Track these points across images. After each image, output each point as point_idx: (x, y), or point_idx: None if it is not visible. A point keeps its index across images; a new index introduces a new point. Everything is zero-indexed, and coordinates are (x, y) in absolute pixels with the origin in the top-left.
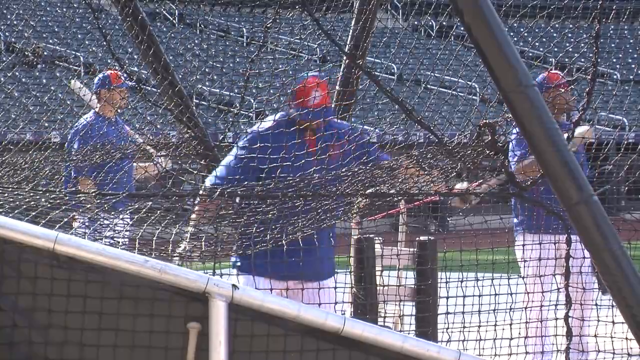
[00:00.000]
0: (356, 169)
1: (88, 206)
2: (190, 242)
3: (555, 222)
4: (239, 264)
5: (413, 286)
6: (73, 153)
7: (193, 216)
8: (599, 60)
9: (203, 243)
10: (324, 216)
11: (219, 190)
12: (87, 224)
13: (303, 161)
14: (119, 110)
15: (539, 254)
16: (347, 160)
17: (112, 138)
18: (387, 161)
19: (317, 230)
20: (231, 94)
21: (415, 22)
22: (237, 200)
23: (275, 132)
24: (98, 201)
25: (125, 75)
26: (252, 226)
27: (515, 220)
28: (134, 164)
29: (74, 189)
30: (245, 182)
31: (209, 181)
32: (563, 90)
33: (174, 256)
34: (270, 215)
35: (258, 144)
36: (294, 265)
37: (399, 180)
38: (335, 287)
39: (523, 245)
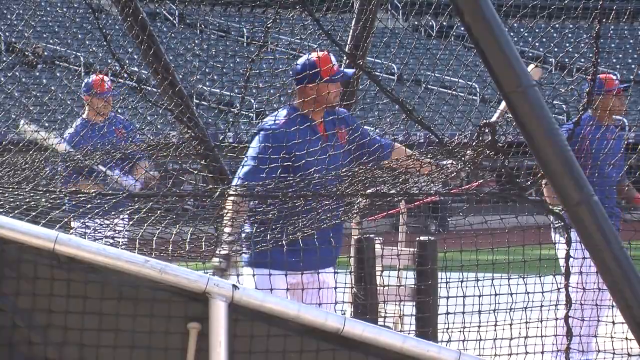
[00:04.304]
0: (357, 169)
1: (87, 208)
2: (206, 242)
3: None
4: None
5: (413, 286)
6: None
7: (227, 216)
8: (599, 60)
9: (204, 243)
10: (325, 216)
11: (218, 191)
12: (86, 224)
13: (318, 147)
14: (111, 113)
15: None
16: (353, 149)
17: (99, 142)
18: (390, 149)
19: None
20: (231, 94)
21: (416, 22)
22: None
23: (288, 125)
24: (97, 202)
25: (109, 81)
26: (263, 225)
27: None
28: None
29: (73, 189)
30: (269, 179)
31: (235, 182)
32: (618, 95)
33: (176, 256)
34: (271, 215)
35: (277, 141)
36: (294, 256)
37: (402, 179)
38: (335, 273)
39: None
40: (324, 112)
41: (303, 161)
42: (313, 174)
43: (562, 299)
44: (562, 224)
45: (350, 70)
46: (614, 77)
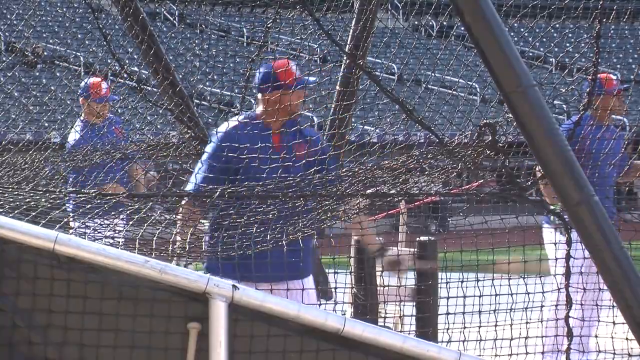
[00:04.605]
0: (356, 169)
1: (87, 207)
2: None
3: None
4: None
5: (413, 286)
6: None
7: (179, 217)
8: (599, 60)
9: (187, 245)
10: (324, 216)
11: (218, 191)
12: (87, 223)
13: (265, 156)
14: (109, 115)
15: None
16: (308, 166)
17: (97, 143)
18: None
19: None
20: (232, 94)
21: (416, 22)
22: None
23: (242, 131)
24: (98, 201)
25: (106, 85)
26: (236, 228)
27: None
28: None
29: (74, 189)
30: (222, 183)
31: (189, 187)
32: (617, 95)
33: (174, 256)
34: (252, 217)
35: (225, 144)
36: (262, 266)
37: (402, 179)
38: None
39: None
40: (283, 123)
41: (248, 168)
42: (260, 183)
43: (558, 299)
44: (562, 223)
45: (311, 78)
46: (614, 77)
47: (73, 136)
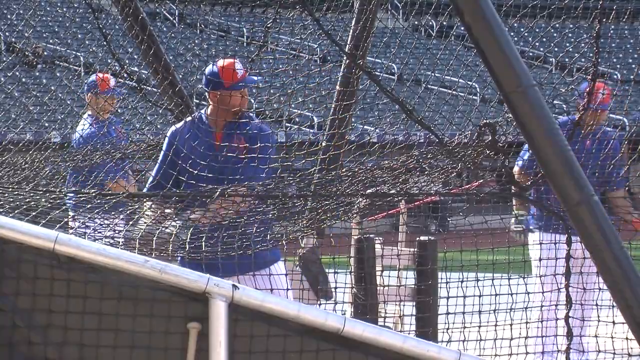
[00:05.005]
0: (357, 169)
1: (88, 206)
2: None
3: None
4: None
5: (413, 286)
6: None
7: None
8: (599, 60)
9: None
10: (324, 216)
11: (219, 191)
12: (87, 223)
13: (204, 151)
14: (110, 114)
15: (554, 253)
16: (249, 169)
17: (102, 140)
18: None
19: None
20: None
21: (416, 22)
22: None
23: (184, 131)
24: (98, 201)
25: (114, 79)
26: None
27: (529, 217)
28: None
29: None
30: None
31: (146, 186)
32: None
33: (175, 255)
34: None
35: (171, 142)
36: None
37: (402, 179)
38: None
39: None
40: (226, 122)
41: (188, 167)
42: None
43: (548, 299)
44: (542, 224)
45: (254, 77)
46: (602, 93)
47: (83, 132)
